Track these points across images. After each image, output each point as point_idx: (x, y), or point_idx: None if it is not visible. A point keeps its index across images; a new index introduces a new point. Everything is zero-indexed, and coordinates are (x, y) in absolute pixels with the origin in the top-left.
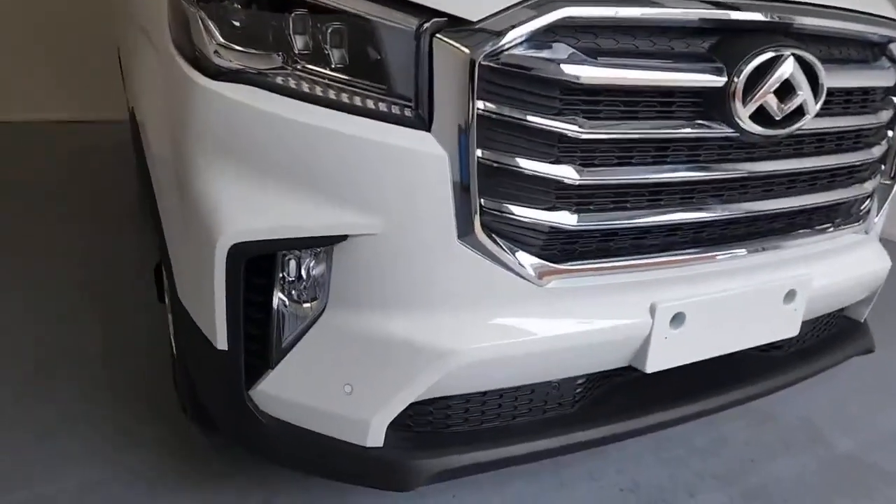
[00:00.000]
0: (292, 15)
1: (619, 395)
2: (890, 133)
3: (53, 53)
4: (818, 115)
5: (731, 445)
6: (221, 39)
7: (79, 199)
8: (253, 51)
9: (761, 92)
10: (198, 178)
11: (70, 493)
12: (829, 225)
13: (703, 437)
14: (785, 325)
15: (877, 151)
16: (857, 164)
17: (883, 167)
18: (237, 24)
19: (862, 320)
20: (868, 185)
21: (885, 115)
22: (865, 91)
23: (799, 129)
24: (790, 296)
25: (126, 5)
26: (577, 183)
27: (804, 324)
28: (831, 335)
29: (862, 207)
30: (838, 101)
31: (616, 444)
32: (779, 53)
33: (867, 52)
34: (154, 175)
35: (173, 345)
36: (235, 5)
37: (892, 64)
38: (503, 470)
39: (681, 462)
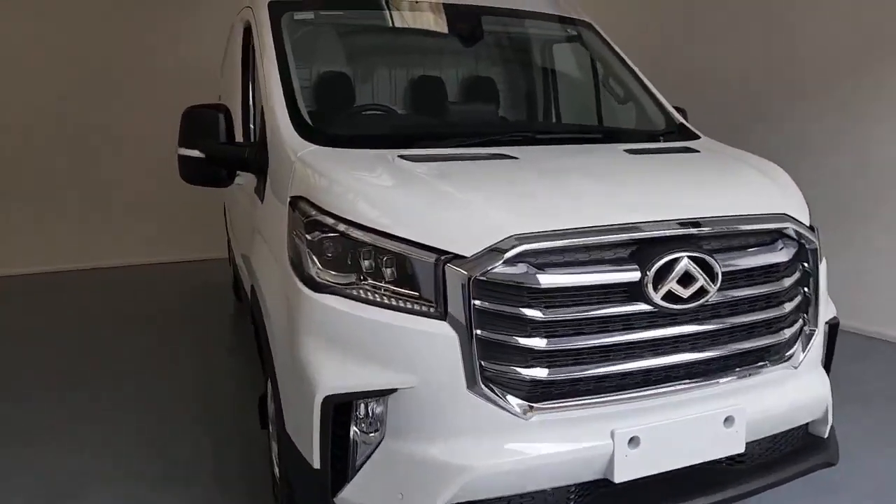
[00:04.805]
0: (361, 251)
1: (605, 502)
2: (806, 290)
3: (170, 207)
4: (724, 288)
5: None
6: (321, 266)
7: (189, 331)
8: (338, 273)
9: (667, 282)
10: (305, 351)
11: None
12: (758, 364)
13: None
14: (729, 444)
15: (788, 307)
16: (771, 318)
17: (805, 316)
18: (329, 256)
19: (825, 437)
20: (787, 333)
21: (788, 281)
22: (766, 266)
23: (706, 301)
24: (729, 421)
25: (243, 204)
26: (544, 349)
27: (766, 440)
28: (795, 450)
29: (788, 350)
30: (742, 277)
31: None
32: (676, 256)
33: (765, 237)
34: (271, 338)
35: (276, 464)
36: (328, 245)
37: (787, 243)
38: None
39: None
